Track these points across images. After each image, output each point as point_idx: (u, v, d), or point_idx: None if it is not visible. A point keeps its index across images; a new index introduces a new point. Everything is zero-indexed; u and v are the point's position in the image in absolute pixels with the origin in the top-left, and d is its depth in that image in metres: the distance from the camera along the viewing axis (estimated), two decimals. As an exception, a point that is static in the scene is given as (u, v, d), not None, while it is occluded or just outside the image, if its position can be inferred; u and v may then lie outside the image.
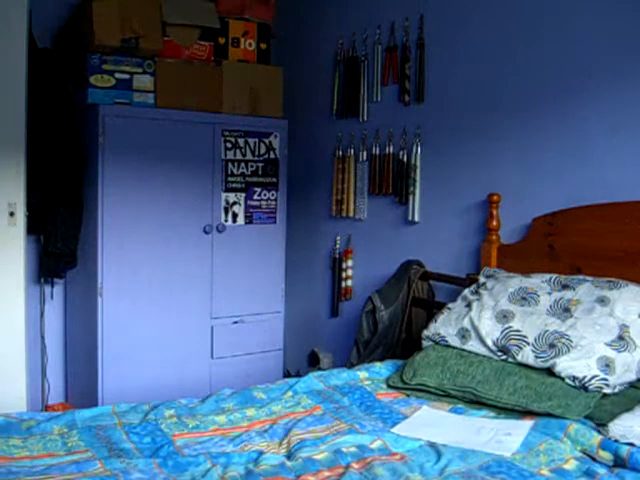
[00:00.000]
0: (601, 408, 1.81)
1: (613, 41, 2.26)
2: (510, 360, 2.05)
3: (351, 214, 3.28)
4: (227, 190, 3.34)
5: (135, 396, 2.91)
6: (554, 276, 2.20)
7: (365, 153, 3.20)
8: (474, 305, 2.22)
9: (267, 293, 3.51)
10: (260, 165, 3.43)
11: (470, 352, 2.14)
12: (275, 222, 3.51)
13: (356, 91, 3.23)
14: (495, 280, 2.31)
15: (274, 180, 3.47)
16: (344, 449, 1.63)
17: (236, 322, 3.41)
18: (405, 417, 1.90)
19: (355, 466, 1.53)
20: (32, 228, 3.05)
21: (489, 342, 2.10)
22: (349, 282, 3.33)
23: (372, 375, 2.25)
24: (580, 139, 2.36)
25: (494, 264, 2.55)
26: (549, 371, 1.94)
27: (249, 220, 3.41)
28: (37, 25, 3.01)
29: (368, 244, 3.25)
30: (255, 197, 3.42)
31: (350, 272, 3.33)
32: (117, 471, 1.48)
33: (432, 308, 2.71)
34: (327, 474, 1.51)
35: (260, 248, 3.46)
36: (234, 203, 3.36)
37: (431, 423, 1.85)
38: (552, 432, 1.71)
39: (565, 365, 1.90)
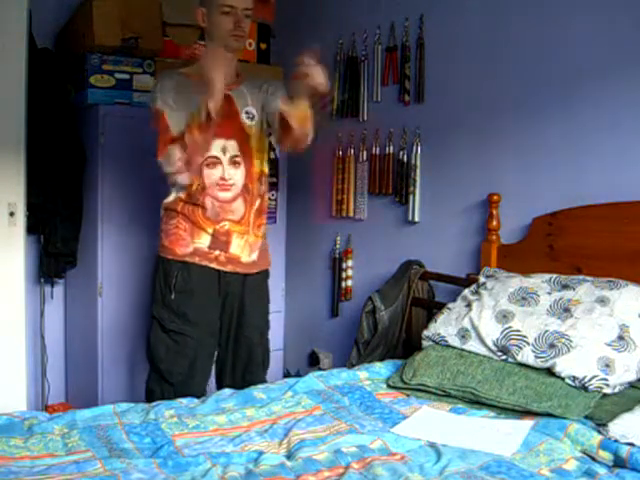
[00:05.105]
0: (601, 408, 1.81)
1: (613, 41, 2.25)
2: (510, 360, 2.05)
3: (351, 214, 3.28)
4: (227, 190, 3.33)
5: (135, 396, 2.91)
6: (554, 276, 2.20)
7: (365, 153, 3.20)
8: (474, 305, 2.22)
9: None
10: (260, 165, 3.42)
11: (470, 352, 2.14)
12: (275, 222, 3.51)
13: (356, 91, 3.23)
14: (495, 280, 2.31)
15: (274, 180, 3.46)
16: (344, 449, 1.63)
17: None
18: (405, 417, 1.90)
19: (355, 466, 1.53)
20: (32, 228, 3.05)
21: (489, 342, 2.10)
22: (349, 282, 3.33)
23: (372, 375, 2.25)
24: (580, 139, 2.36)
25: (494, 264, 2.55)
26: (549, 371, 1.94)
27: (249, 220, 3.41)
28: (37, 25, 3.01)
29: (368, 244, 3.24)
30: (255, 197, 3.41)
31: (350, 272, 3.33)
32: (117, 471, 1.48)
33: (432, 308, 2.71)
34: (327, 474, 1.51)
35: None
36: (234, 203, 3.35)
37: (431, 423, 1.85)
38: (552, 432, 1.71)
39: (565, 365, 1.90)
